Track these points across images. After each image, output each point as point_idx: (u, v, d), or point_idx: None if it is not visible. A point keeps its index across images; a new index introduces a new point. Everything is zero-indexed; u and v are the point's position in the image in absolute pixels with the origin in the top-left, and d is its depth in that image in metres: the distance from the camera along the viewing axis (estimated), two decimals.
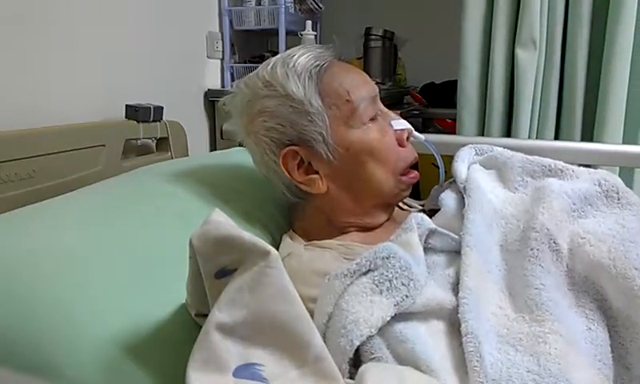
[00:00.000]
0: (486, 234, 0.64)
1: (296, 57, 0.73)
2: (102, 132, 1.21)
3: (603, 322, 0.57)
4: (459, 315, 0.55)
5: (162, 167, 0.94)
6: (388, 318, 0.53)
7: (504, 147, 0.80)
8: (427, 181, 0.92)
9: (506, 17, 1.32)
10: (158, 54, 1.58)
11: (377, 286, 0.55)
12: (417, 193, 0.98)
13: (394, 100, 2.30)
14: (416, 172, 0.78)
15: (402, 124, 0.77)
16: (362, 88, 0.73)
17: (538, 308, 0.56)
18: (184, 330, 0.57)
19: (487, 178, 0.74)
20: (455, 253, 0.64)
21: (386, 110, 0.78)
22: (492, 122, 1.37)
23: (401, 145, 0.76)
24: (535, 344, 0.53)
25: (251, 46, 2.21)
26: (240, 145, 0.81)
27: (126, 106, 1.34)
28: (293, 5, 2.01)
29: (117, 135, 1.25)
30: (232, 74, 2.00)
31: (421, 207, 0.85)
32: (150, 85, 1.53)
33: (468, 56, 1.38)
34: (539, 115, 1.34)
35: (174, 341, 0.56)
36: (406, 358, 0.52)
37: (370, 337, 0.53)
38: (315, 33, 1.86)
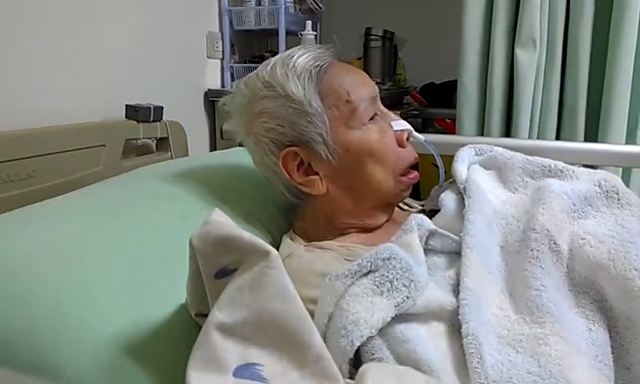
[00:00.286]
0: (486, 234, 0.64)
1: (296, 57, 0.73)
2: (101, 132, 1.21)
3: (604, 322, 0.57)
4: (460, 316, 0.55)
5: (161, 167, 0.94)
6: (388, 319, 0.53)
7: (504, 147, 0.80)
8: (427, 181, 0.92)
9: (506, 17, 1.32)
10: (158, 54, 1.58)
11: (377, 287, 0.55)
12: (417, 193, 0.98)
13: (393, 100, 2.30)
14: (416, 172, 0.78)
15: (401, 124, 0.77)
16: (362, 88, 0.73)
17: (539, 309, 0.56)
18: (184, 330, 0.57)
19: (487, 179, 0.74)
20: (455, 254, 0.63)
21: (385, 110, 0.78)
22: (492, 122, 1.37)
23: (400, 145, 0.75)
24: (536, 345, 0.53)
25: (251, 46, 2.21)
26: (240, 145, 0.81)
27: (126, 105, 1.34)
28: (293, 5, 2.01)
29: (117, 135, 1.25)
30: (232, 74, 2.00)
31: (421, 207, 0.85)
32: (150, 85, 1.53)
33: (468, 56, 1.38)
34: (540, 115, 1.34)
35: (174, 341, 0.56)
36: (406, 359, 0.52)
37: (371, 337, 0.53)
38: (315, 33, 1.86)
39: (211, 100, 1.89)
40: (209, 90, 1.90)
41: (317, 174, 0.73)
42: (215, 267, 0.50)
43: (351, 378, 0.51)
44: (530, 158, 0.74)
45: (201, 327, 0.48)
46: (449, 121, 2.30)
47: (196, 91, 1.86)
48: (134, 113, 1.33)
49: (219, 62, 1.99)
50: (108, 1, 1.38)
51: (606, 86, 1.26)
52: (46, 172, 1.04)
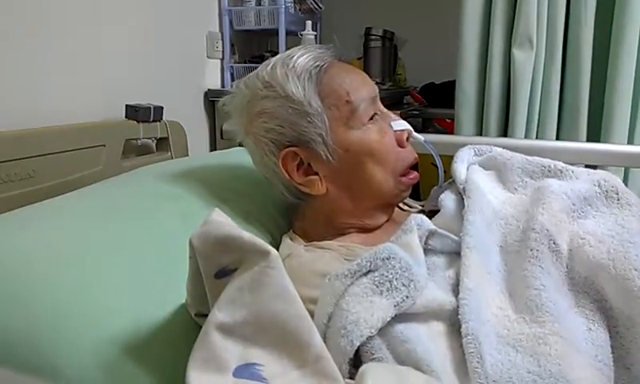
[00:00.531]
0: (485, 235, 0.64)
1: (296, 57, 0.73)
2: (101, 132, 1.21)
3: (603, 322, 0.57)
4: (459, 316, 0.55)
5: (161, 167, 0.94)
6: (388, 319, 0.53)
7: (505, 147, 0.80)
8: (427, 181, 0.92)
9: (504, 16, 1.32)
10: (158, 54, 1.58)
11: (377, 287, 0.55)
12: (417, 193, 0.98)
13: (393, 100, 2.30)
14: (416, 173, 0.78)
15: (401, 124, 0.77)
16: (362, 89, 0.73)
17: (539, 309, 0.56)
18: (184, 330, 0.57)
19: (486, 179, 0.74)
20: (455, 254, 0.64)
21: (385, 110, 0.78)
22: (490, 122, 1.37)
23: (400, 145, 0.76)
24: (535, 345, 0.53)
25: (251, 46, 2.21)
26: (240, 145, 0.81)
27: (126, 105, 1.34)
28: (293, 5, 2.01)
29: (117, 135, 1.25)
30: (232, 74, 2.00)
31: (421, 208, 0.85)
32: (150, 85, 1.53)
33: (466, 56, 1.38)
34: (539, 115, 1.34)
35: (174, 341, 0.56)
36: (406, 359, 0.52)
37: (371, 337, 0.53)
38: (315, 33, 1.86)
39: (211, 100, 1.89)
40: (209, 89, 1.90)
41: (316, 174, 0.73)
42: (215, 267, 0.50)
43: (351, 377, 0.51)
44: (529, 158, 0.74)
45: (201, 327, 0.48)
46: (449, 121, 2.30)
47: (196, 91, 1.86)
48: (134, 113, 1.33)
49: (219, 62, 1.99)
50: (108, 1, 1.38)
51: (608, 86, 1.25)
52: (46, 172, 1.04)
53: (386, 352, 0.53)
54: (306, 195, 0.75)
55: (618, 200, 0.66)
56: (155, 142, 1.43)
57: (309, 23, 1.81)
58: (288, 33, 1.95)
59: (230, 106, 0.78)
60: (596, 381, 0.52)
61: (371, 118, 0.73)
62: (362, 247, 0.69)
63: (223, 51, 1.97)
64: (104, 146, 1.20)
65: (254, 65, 1.82)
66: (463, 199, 0.70)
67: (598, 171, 0.71)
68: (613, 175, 0.70)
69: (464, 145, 0.83)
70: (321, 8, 2.13)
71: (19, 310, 0.55)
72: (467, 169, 0.77)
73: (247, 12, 1.98)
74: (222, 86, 1.99)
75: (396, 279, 0.55)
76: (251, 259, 0.48)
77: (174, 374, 0.53)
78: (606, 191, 0.66)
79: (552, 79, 1.30)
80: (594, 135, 1.32)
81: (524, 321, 0.56)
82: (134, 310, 0.58)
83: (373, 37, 2.36)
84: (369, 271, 0.56)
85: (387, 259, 0.57)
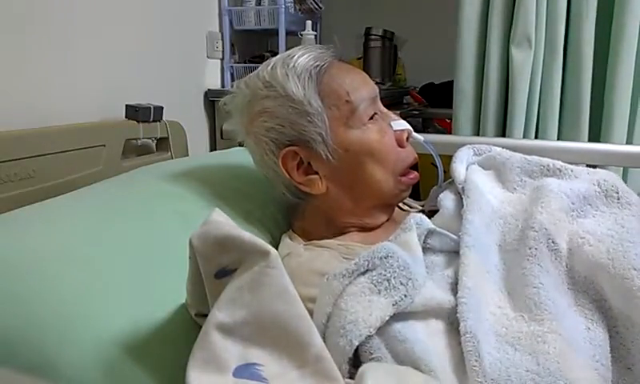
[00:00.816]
0: (484, 234, 0.65)
1: (296, 57, 0.73)
2: (101, 132, 1.21)
3: (602, 322, 0.57)
4: (458, 315, 0.55)
5: (161, 167, 0.94)
6: (387, 318, 0.53)
7: (505, 148, 0.80)
8: (427, 181, 0.92)
9: (502, 16, 1.32)
10: (158, 53, 1.58)
11: (375, 286, 0.55)
12: (417, 193, 0.98)
13: (393, 100, 2.30)
14: (416, 173, 0.78)
15: (401, 124, 0.77)
16: (362, 88, 0.73)
17: (537, 307, 0.56)
18: (184, 330, 0.57)
19: (486, 179, 0.74)
20: (454, 253, 0.64)
21: (385, 110, 0.78)
22: (487, 122, 1.36)
23: (400, 145, 0.76)
24: (534, 343, 0.53)
25: (251, 46, 2.21)
26: (240, 145, 0.82)
27: (126, 106, 1.34)
28: (293, 5, 2.01)
29: (117, 135, 1.25)
30: (232, 74, 2.00)
31: (421, 208, 0.85)
32: (150, 85, 1.53)
33: (464, 55, 1.38)
34: (539, 115, 1.34)
35: (174, 341, 0.56)
36: (405, 358, 0.52)
37: (369, 337, 0.53)
38: (315, 33, 1.86)
39: (211, 100, 1.89)
40: (209, 89, 1.90)
41: (316, 173, 0.73)
42: (215, 267, 0.50)
43: (351, 377, 0.51)
44: (528, 157, 0.74)
45: (201, 327, 0.48)
46: (449, 121, 2.30)
47: (196, 91, 1.86)
48: (134, 113, 1.33)
49: (219, 62, 1.99)
50: (108, 1, 1.38)
51: (609, 84, 1.25)
52: (46, 172, 1.04)
53: (384, 351, 0.53)
54: (306, 194, 0.75)
55: (618, 199, 0.66)
56: (155, 141, 1.43)
57: (309, 23, 1.81)
58: (288, 33, 1.95)
59: (231, 105, 0.78)
60: (594, 381, 0.52)
61: (371, 118, 0.73)
62: (362, 246, 0.69)
63: (223, 51, 1.97)
64: (104, 146, 1.20)
65: (254, 65, 1.83)
66: (462, 199, 0.70)
67: (598, 170, 0.71)
68: (613, 174, 0.70)
69: (464, 145, 0.83)
70: (321, 8, 2.13)
71: (19, 310, 0.55)
72: (466, 168, 0.77)
73: (247, 12, 1.98)
74: (222, 86, 1.99)
75: (394, 278, 0.55)
76: (251, 259, 0.48)
77: (173, 374, 0.53)
78: (606, 190, 0.66)
79: (552, 78, 1.30)
80: (595, 135, 1.31)
81: (523, 319, 0.56)
82: (133, 310, 0.58)
83: (373, 37, 2.36)
84: (367, 270, 0.57)
85: (385, 258, 0.57)
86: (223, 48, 1.97)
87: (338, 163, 0.72)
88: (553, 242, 0.61)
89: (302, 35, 1.79)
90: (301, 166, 0.73)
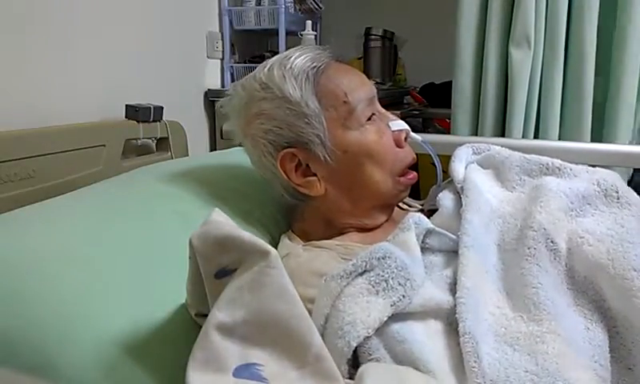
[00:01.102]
0: (483, 233, 0.64)
1: (293, 58, 0.73)
2: (101, 132, 1.21)
3: (602, 322, 0.57)
4: (457, 315, 0.55)
5: (161, 167, 0.94)
6: (385, 319, 0.53)
7: (506, 147, 0.80)
8: (427, 181, 0.92)
9: (500, 16, 1.31)
10: (158, 53, 1.58)
11: (373, 287, 0.55)
12: (417, 193, 0.98)
13: (393, 100, 2.31)
14: (414, 173, 0.78)
15: (399, 125, 0.77)
16: (360, 89, 0.73)
17: (536, 307, 0.56)
18: (184, 330, 0.57)
19: (484, 178, 0.74)
20: (453, 253, 0.64)
21: (383, 110, 0.78)
22: (486, 122, 1.36)
23: (398, 146, 0.76)
24: (533, 343, 0.53)
25: (251, 46, 2.21)
26: (240, 145, 0.82)
27: (126, 106, 1.34)
28: (293, 5, 2.01)
29: (117, 135, 1.25)
30: (232, 74, 2.00)
31: (420, 207, 0.85)
32: (150, 85, 1.53)
33: (463, 55, 1.38)
34: (539, 115, 1.34)
35: (174, 341, 0.57)
36: (403, 359, 0.52)
37: (368, 337, 0.53)
38: (315, 33, 1.86)
39: (211, 100, 1.89)
40: (209, 89, 1.90)
41: (315, 175, 0.73)
42: (215, 267, 0.50)
43: (350, 378, 0.52)
44: (527, 156, 0.74)
45: (201, 327, 0.48)
46: (449, 121, 2.29)
47: (196, 91, 1.86)
48: (134, 113, 1.33)
49: (219, 62, 1.99)
50: (108, 1, 1.38)
51: (613, 85, 1.25)
52: (46, 172, 1.04)
53: (383, 352, 0.53)
54: (304, 196, 0.75)
55: (618, 199, 0.65)
56: (155, 141, 1.43)
57: (309, 23, 1.81)
58: (288, 33, 1.95)
59: (228, 107, 0.78)
60: (593, 381, 0.52)
61: (369, 119, 0.73)
62: (361, 246, 0.69)
63: (223, 51, 1.97)
64: (104, 145, 1.20)
65: (253, 65, 1.81)
66: (461, 198, 0.70)
67: (598, 170, 0.71)
68: (613, 174, 0.69)
69: (462, 145, 0.83)
70: (321, 8, 2.13)
71: (19, 310, 0.55)
72: (466, 168, 0.77)
73: (247, 12, 1.99)
74: (222, 86, 2.00)
75: (392, 278, 0.55)
76: (251, 259, 0.48)
77: (173, 374, 0.53)
78: (605, 190, 0.66)
79: (553, 78, 1.29)
80: (597, 135, 1.31)
81: (522, 319, 0.56)
82: (133, 310, 0.58)
83: (373, 37, 2.36)
84: (365, 271, 0.56)
85: (383, 259, 0.57)
86: (223, 48, 1.97)
87: (337, 165, 0.72)
88: (552, 242, 0.61)
89: (301, 35, 1.79)
90: (299, 167, 0.73)
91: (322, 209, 0.75)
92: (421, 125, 2.43)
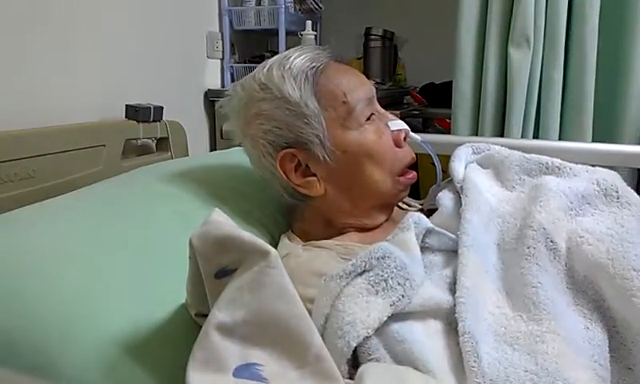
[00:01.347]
0: (483, 233, 0.64)
1: (292, 59, 0.73)
2: (101, 132, 1.21)
3: (601, 322, 0.57)
4: (456, 315, 0.55)
5: (161, 167, 0.94)
6: (384, 319, 0.53)
7: (506, 147, 0.80)
8: (427, 180, 0.92)
9: (500, 15, 1.31)
10: (158, 53, 1.59)
11: (372, 287, 0.55)
12: (416, 192, 0.98)
13: (393, 100, 2.31)
14: (414, 172, 0.78)
15: (398, 124, 0.77)
16: (359, 89, 0.73)
17: (536, 307, 0.56)
18: (184, 330, 0.57)
19: (484, 177, 0.74)
20: (452, 252, 0.64)
21: (382, 110, 0.78)
22: (486, 122, 1.36)
23: (398, 145, 0.76)
24: (533, 343, 0.53)
25: (251, 46, 2.21)
26: (240, 145, 0.82)
27: (126, 106, 1.34)
28: (293, 5, 2.01)
29: (117, 135, 1.25)
30: (232, 74, 2.00)
31: (420, 207, 0.85)
32: (150, 85, 1.53)
33: (463, 57, 1.37)
34: (539, 115, 1.34)
35: (174, 341, 0.57)
36: (403, 358, 0.52)
37: (368, 337, 0.53)
38: (315, 33, 1.86)
39: (211, 100, 1.90)
40: (209, 89, 1.90)
41: (314, 175, 0.73)
42: (215, 267, 0.50)
43: (350, 378, 0.52)
44: (527, 155, 0.74)
45: (201, 327, 0.48)
46: (449, 121, 2.29)
47: (196, 91, 1.86)
48: (134, 113, 1.33)
49: (219, 62, 1.99)
50: (108, 1, 1.38)
51: (619, 86, 1.24)
52: (46, 172, 1.05)
53: (383, 352, 0.53)
54: (304, 196, 0.75)
55: (618, 199, 0.65)
56: (155, 142, 1.43)
57: (309, 23, 1.81)
58: (288, 33, 1.95)
59: (228, 108, 0.78)
60: (592, 381, 0.52)
61: (368, 119, 0.73)
62: (360, 246, 0.69)
63: (223, 51, 1.97)
64: (104, 146, 1.20)
65: (253, 65, 1.81)
66: (461, 198, 0.70)
67: (598, 169, 0.71)
68: (613, 173, 0.69)
69: (462, 145, 0.83)
70: (321, 8, 2.13)
71: (20, 310, 0.55)
72: (465, 167, 0.77)
73: (247, 12, 1.99)
74: (222, 86, 2.00)
75: (391, 278, 0.55)
76: (251, 259, 0.48)
77: (173, 374, 0.53)
78: (605, 189, 0.66)
79: (553, 78, 1.29)
80: (599, 135, 1.31)
81: (521, 319, 0.56)
82: (133, 310, 0.58)
83: (373, 37, 2.36)
84: (364, 271, 0.56)
85: (382, 258, 0.57)
86: (223, 48, 1.97)
87: (336, 165, 0.72)
88: (551, 242, 0.61)
89: (301, 35, 1.79)
90: (299, 168, 0.73)
91: (321, 209, 0.75)
92: (421, 125, 2.43)
